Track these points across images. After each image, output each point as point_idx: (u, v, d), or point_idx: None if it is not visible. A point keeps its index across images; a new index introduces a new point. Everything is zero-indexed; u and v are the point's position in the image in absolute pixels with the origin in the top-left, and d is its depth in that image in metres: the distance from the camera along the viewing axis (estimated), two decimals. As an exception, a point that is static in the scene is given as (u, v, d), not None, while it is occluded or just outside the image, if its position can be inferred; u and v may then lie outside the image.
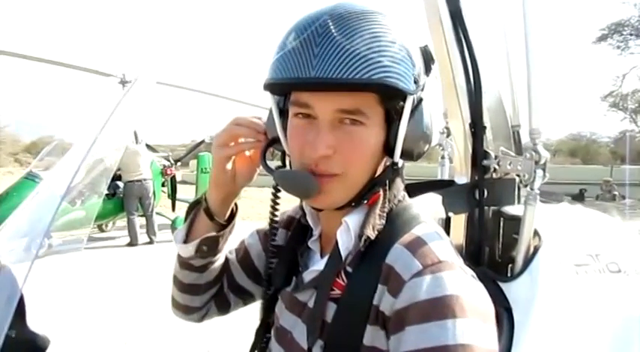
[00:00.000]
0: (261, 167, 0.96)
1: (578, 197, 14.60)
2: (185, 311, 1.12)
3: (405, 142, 0.81)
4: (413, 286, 0.72)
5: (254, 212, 10.99)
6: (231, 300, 1.14)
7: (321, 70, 0.71)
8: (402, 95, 0.77)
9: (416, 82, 0.77)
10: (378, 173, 0.85)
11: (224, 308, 1.14)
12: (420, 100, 0.83)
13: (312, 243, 0.97)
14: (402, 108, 0.79)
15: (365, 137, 0.78)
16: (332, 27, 0.72)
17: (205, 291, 1.09)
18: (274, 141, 0.90)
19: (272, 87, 0.80)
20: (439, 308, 0.69)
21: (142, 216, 8.75)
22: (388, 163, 0.86)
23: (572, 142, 38.62)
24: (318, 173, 0.78)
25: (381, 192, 0.85)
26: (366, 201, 0.84)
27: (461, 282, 0.73)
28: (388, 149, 0.82)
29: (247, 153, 0.97)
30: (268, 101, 0.88)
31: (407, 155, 0.83)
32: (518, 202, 1.21)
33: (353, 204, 0.84)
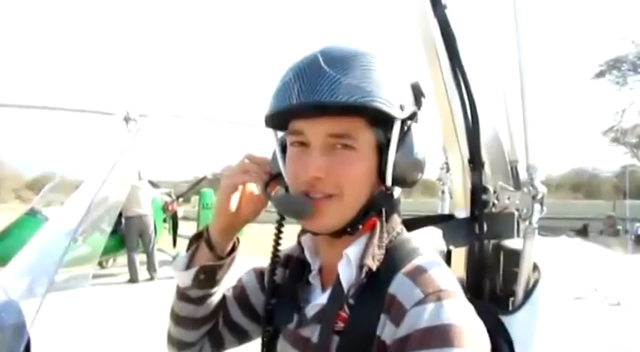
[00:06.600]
0: (267, 205, 1.00)
1: (582, 232, 14.48)
2: (178, 346, 1.10)
3: (396, 168, 0.85)
4: (414, 314, 0.73)
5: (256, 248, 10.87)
6: (225, 338, 1.12)
7: (308, 95, 0.78)
8: (389, 120, 0.82)
9: (402, 108, 0.82)
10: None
11: (217, 346, 1.12)
12: (410, 128, 0.87)
13: (313, 278, 0.98)
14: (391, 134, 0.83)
15: (356, 160, 0.82)
16: (321, 61, 0.80)
17: (200, 326, 1.08)
18: (277, 176, 0.94)
19: (269, 120, 0.87)
20: (438, 336, 0.70)
21: (142, 252, 8.70)
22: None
23: (574, 177, 38.42)
24: (312, 195, 0.82)
25: (377, 222, 0.87)
26: (361, 226, 0.87)
27: (462, 312, 0.74)
28: (381, 176, 0.85)
29: (255, 191, 1.00)
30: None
31: (399, 181, 0.87)
32: (518, 236, 1.23)
33: (348, 229, 0.86)
